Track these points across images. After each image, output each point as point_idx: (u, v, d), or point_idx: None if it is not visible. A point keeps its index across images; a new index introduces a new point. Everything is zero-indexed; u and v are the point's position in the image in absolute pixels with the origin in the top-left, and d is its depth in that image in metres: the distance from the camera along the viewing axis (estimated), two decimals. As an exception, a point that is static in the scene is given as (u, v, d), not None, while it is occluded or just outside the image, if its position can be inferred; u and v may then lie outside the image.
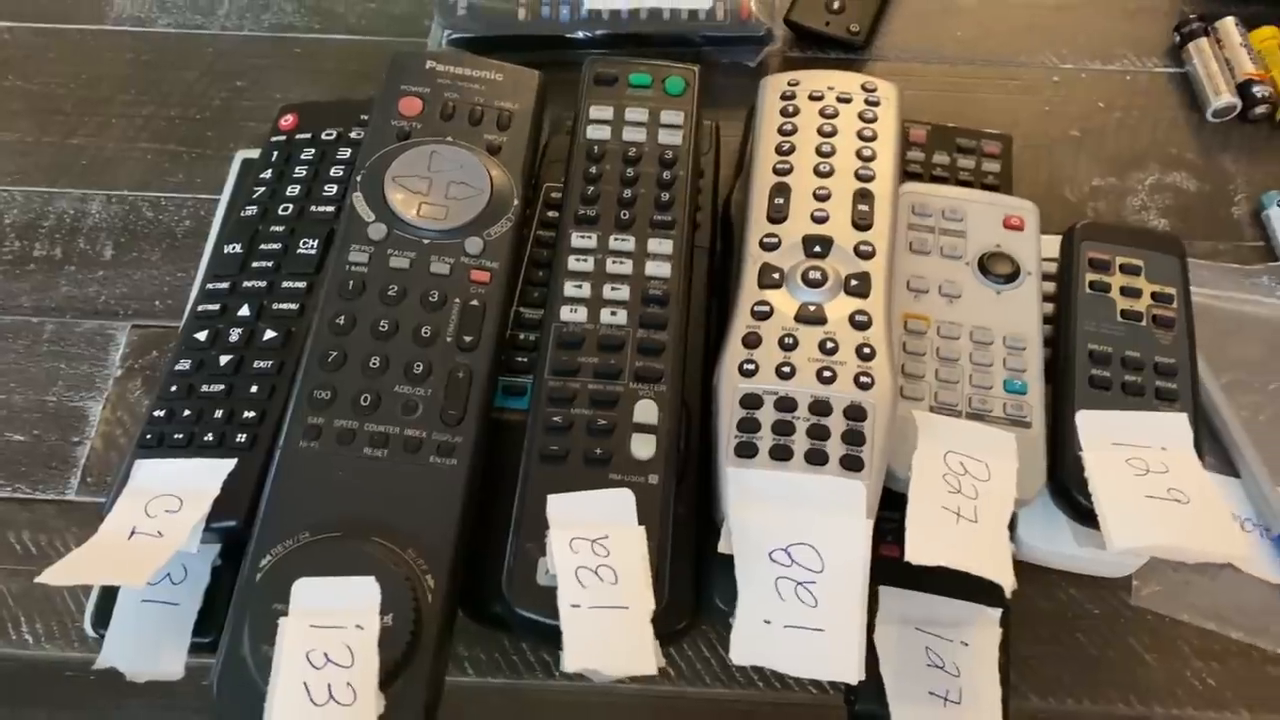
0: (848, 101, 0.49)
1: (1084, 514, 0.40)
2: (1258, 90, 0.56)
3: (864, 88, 0.50)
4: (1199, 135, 0.57)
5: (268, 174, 0.48)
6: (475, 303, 0.41)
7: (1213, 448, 0.47)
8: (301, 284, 0.44)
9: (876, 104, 0.49)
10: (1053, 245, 0.48)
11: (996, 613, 0.41)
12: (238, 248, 0.45)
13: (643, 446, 0.38)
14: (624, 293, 0.42)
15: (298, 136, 0.49)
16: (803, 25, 0.59)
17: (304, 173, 0.47)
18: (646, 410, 0.39)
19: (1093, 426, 0.41)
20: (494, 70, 0.47)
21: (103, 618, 0.39)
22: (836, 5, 0.59)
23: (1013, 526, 0.43)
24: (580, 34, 0.58)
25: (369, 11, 0.62)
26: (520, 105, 0.46)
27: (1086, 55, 0.60)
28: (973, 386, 0.43)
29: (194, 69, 0.60)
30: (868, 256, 0.44)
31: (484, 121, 0.45)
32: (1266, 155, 0.56)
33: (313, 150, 0.48)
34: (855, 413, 0.40)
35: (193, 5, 0.62)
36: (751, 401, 0.40)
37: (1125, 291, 0.44)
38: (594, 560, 0.35)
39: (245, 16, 0.62)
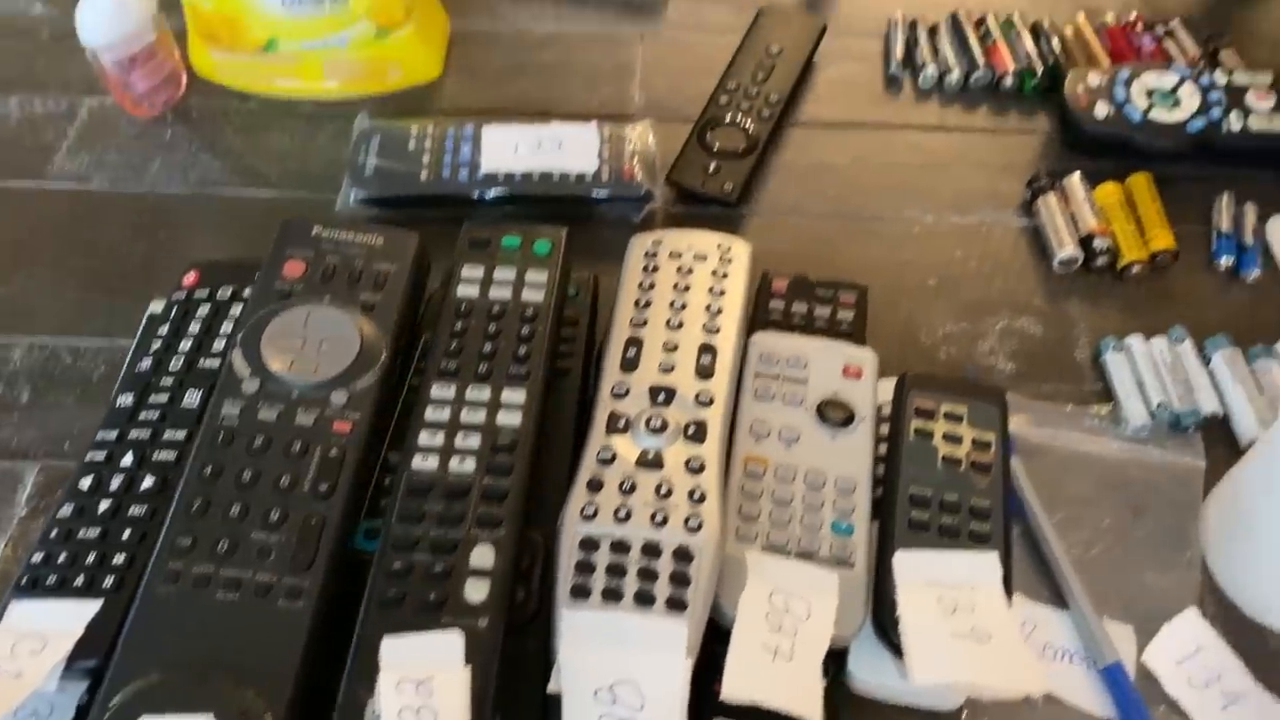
0: (704, 259, 0.54)
1: (899, 650, 0.43)
2: (1098, 243, 0.61)
3: (719, 246, 0.55)
4: (1046, 284, 0.61)
5: (165, 329, 0.52)
6: (335, 452, 0.44)
7: (1045, 581, 0.50)
8: (182, 434, 0.47)
9: (730, 261, 0.54)
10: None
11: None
12: (129, 399, 0.49)
13: (476, 590, 0.41)
14: (474, 441, 0.45)
15: (196, 294, 0.53)
16: (682, 185, 0.64)
17: (197, 328, 0.51)
18: (483, 555, 0.42)
19: (908, 567, 0.44)
20: (375, 235, 0.51)
21: (-31, 755, 0.41)
22: (713, 167, 0.64)
23: (844, 661, 0.45)
24: (479, 193, 0.63)
25: (289, 171, 0.67)
26: (397, 266, 0.51)
27: (947, 209, 0.65)
28: (803, 527, 0.46)
29: (122, 222, 0.65)
30: (706, 404, 0.48)
31: (361, 282, 0.50)
32: (1106, 303, 0.60)
33: (208, 307, 0.52)
34: (682, 555, 0.43)
35: (126, 163, 0.67)
36: (589, 544, 0.43)
37: (947, 438, 0.48)
38: (417, 701, 0.38)
39: (174, 174, 0.67)
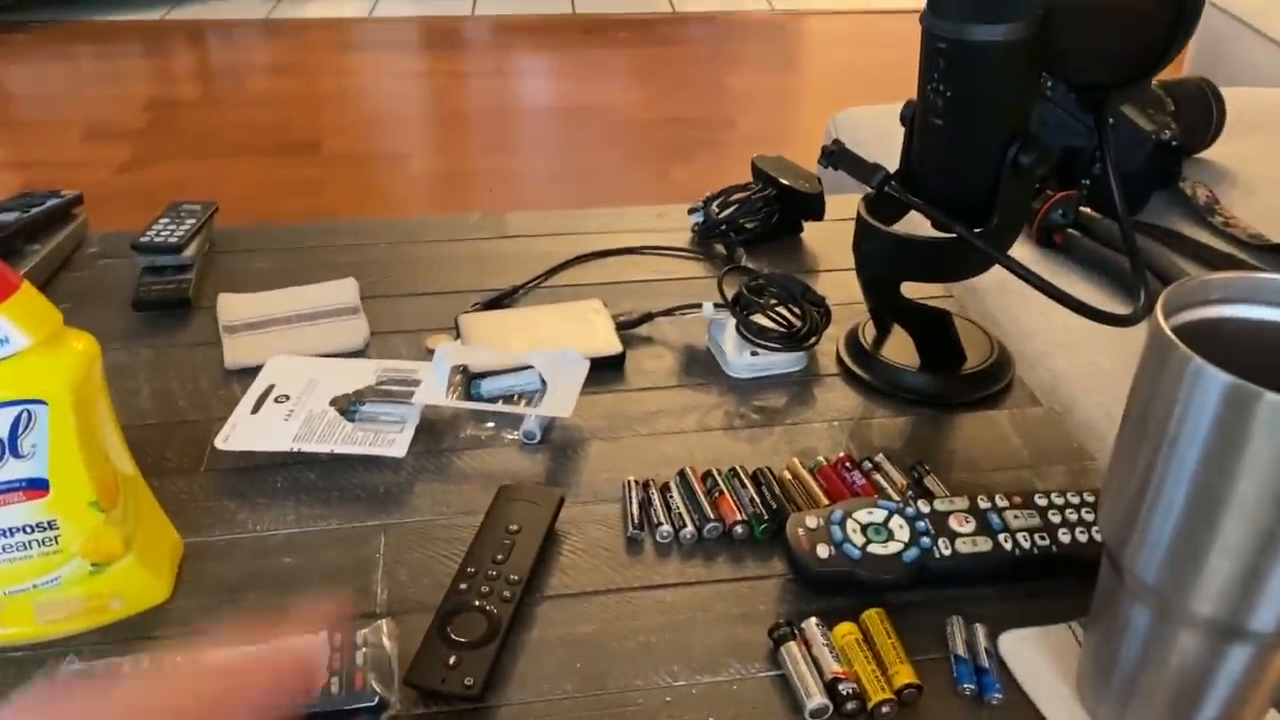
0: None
1: None
2: (843, 688, 0.60)
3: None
4: (802, 738, 0.60)
5: None
6: None
7: None
8: None
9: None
10: None
11: None
12: None
13: None
14: None
15: None
16: (420, 686, 0.61)
17: None
18: None
19: None
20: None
21: None
22: (452, 661, 0.62)
23: None
24: None
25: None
26: None
27: (697, 670, 0.64)
28: None
29: None
30: None
31: None
32: (862, 752, 0.59)
33: None
34: None
35: None
36: None
37: None
38: None
39: None
